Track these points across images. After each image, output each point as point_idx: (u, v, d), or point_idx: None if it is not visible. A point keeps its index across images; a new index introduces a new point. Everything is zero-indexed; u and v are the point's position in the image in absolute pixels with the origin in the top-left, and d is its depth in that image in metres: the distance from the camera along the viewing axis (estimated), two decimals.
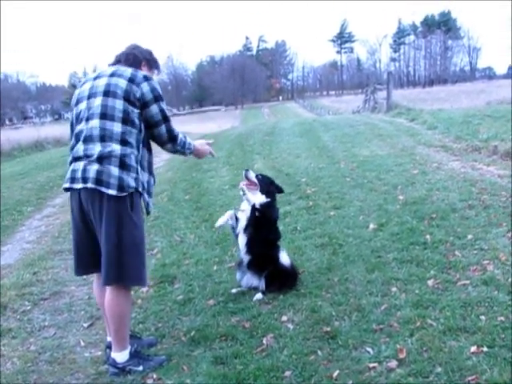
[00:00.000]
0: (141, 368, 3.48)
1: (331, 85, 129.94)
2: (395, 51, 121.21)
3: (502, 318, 3.58)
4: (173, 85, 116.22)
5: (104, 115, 3.31)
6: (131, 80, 3.36)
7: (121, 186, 3.25)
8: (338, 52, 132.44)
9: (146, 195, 3.52)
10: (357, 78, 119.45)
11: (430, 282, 4.31)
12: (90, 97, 3.41)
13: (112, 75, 3.41)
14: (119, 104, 3.31)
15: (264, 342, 3.67)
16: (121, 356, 3.48)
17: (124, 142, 3.30)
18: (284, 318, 3.98)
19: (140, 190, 3.40)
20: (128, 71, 3.42)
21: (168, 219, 7.31)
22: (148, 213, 3.67)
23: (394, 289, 4.28)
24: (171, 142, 3.55)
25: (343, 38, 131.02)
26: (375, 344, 3.47)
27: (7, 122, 66.96)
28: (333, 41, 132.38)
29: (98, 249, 3.38)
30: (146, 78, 3.42)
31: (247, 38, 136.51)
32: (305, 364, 3.33)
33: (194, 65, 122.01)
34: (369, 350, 3.43)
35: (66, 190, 3.45)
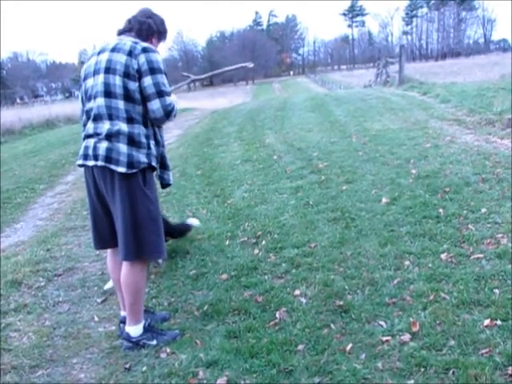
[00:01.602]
0: (154, 342, 3.50)
1: (342, 59, 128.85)
2: (407, 24, 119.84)
3: None
4: (183, 61, 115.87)
5: (108, 93, 3.27)
6: (130, 53, 3.28)
7: (130, 163, 3.23)
8: (350, 26, 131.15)
9: (159, 169, 3.55)
10: (368, 51, 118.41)
11: (443, 256, 4.29)
12: (95, 73, 3.36)
13: (113, 50, 3.33)
14: (119, 81, 3.25)
15: (277, 315, 3.67)
16: (135, 330, 3.50)
17: (130, 120, 3.27)
18: (297, 292, 3.99)
19: (153, 164, 3.38)
20: (128, 44, 3.33)
21: (180, 195, 7.31)
22: (165, 186, 3.74)
23: (406, 262, 4.27)
24: (164, 118, 3.36)
25: (354, 12, 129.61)
26: (388, 318, 3.47)
27: (18, 101, 67.04)
28: (344, 14, 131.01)
29: (114, 224, 3.40)
30: (145, 50, 3.31)
31: (257, 13, 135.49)
32: (318, 338, 3.34)
33: (204, 41, 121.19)
34: (382, 323, 3.42)
35: (80, 166, 3.45)
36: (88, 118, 3.39)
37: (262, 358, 3.18)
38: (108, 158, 3.23)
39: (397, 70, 23.73)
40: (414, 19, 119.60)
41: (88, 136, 3.36)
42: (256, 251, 4.92)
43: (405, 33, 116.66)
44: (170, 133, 14.96)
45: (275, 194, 6.67)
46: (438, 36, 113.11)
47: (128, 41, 3.36)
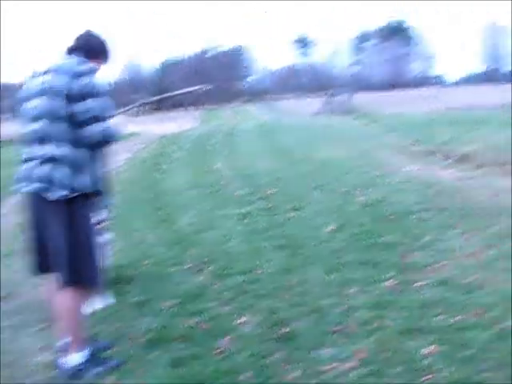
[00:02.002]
0: (96, 371, 3.39)
1: (291, 88, 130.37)
2: (355, 55, 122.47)
3: (458, 318, 3.63)
4: (133, 84, 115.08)
5: (51, 116, 3.17)
6: (71, 75, 3.17)
7: (72, 187, 3.15)
8: (299, 55, 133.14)
9: (101, 194, 3.43)
10: (316, 81, 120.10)
11: (387, 283, 4.35)
12: (38, 94, 3.25)
13: (57, 71, 3.24)
14: (60, 103, 3.15)
15: (222, 343, 3.62)
16: (76, 358, 3.39)
17: (74, 143, 3.17)
18: (242, 320, 3.95)
19: (97, 188, 3.31)
20: (71, 65, 3.24)
21: (126, 219, 7.20)
22: (106, 211, 3.68)
23: (352, 290, 4.29)
24: (103, 142, 3.27)
25: (303, 42, 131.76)
26: (333, 345, 3.47)
27: None
28: (293, 44, 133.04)
29: (53, 249, 3.29)
30: (87, 72, 3.21)
31: (207, 40, 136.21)
32: (263, 366, 3.30)
33: (154, 65, 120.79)
34: (327, 351, 3.41)
35: (20, 190, 3.34)
36: (31, 140, 3.29)
37: None
38: (48, 182, 3.14)
39: (344, 99, 24.21)
40: (363, 50, 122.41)
41: (30, 159, 3.26)
42: (202, 278, 4.87)
43: (352, 63, 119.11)
44: (119, 156, 14.79)
45: (222, 220, 6.66)
46: (384, 68, 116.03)
47: (72, 62, 3.28)
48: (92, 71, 3.25)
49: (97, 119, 3.17)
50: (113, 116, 3.32)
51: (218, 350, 3.54)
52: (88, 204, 3.28)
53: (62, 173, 3.14)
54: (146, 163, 12.78)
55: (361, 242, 5.34)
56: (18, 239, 6.68)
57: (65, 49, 3.46)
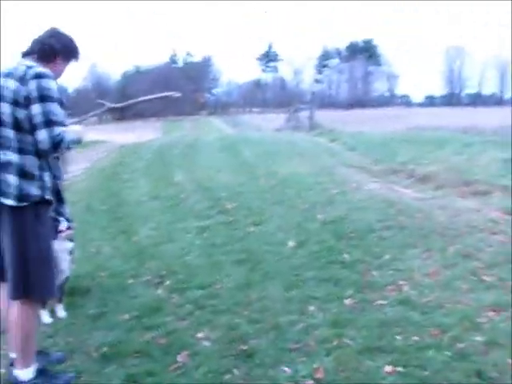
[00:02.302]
0: None
1: (255, 102, 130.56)
2: (319, 73, 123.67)
3: (417, 338, 3.63)
4: (96, 92, 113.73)
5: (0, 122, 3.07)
6: (21, 79, 3.05)
7: (20, 196, 3.02)
8: (264, 70, 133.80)
9: (51, 203, 3.27)
10: (280, 96, 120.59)
11: (347, 302, 4.33)
12: None
13: (7, 75, 3.11)
14: (8, 108, 3.04)
15: (179, 359, 3.54)
16: (25, 373, 3.24)
17: (21, 150, 3.05)
18: (200, 335, 3.88)
19: (47, 197, 3.16)
20: (21, 69, 3.09)
21: (83, 229, 7.03)
22: (65, 220, 3.56)
23: (311, 307, 4.26)
24: (52, 149, 3.08)
25: (269, 57, 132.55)
26: (292, 363, 3.43)
27: None
28: (259, 59, 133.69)
29: (4, 259, 3.17)
30: (37, 75, 3.06)
31: (174, 51, 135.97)
32: (221, 383, 3.24)
33: (119, 74, 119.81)
34: (286, 369, 3.37)
35: None
36: None
37: None
38: None
39: (307, 116, 24.41)
40: (326, 69, 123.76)
41: None
42: (160, 291, 4.78)
43: (316, 81, 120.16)
44: (77, 165, 14.53)
45: (181, 233, 6.57)
46: (348, 86, 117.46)
47: (23, 65, 3.14)
48: (42, 75, 3.08)
49: (46, 125, 3.03)
50: (64, 122, 3.14)
51: (175, 366, 3.47)
52: (40, 213, 3.14)
53: (8, 181, 3.03)
54: (106, 172, 12.60)
55: (321, 259, 5.32)
56: None
57: (20, 53, 3.35)
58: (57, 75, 3.30)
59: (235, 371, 3.38)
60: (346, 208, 7.35)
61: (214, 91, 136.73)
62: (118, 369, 3.49)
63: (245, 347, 3.65)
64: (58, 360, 3.62)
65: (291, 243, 5.86)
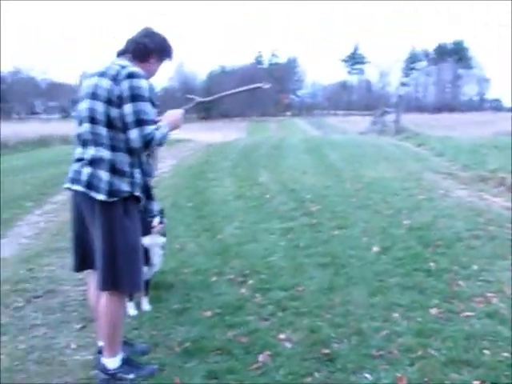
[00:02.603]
0: (132, 376, 3.37)
1: (340, 104, 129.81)
2: (406, 76, 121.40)
3: (507, 354, 3.49)
4: (182, 91, 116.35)
5: (92, 119, 3.17)
6: (114, 78, 3.13)
7: (111, 191, 3.13)
8: (349, 72, 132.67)
9: (141, 199, 3.33)
10: (366, 99, 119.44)
11: (432, 311, 4.22)
12: (84, 98, 3.26)
13: (101, 74, 3.20)
14: (102, 107, 3.13)
15: (260, 359, 3.56)
16: (112, 362, 3.36)
17: (113, 147, 3.15)
18: (282, 336, 3.88)
19: (136, 194, 3.24)
20: (114, 68, 3.18)
21: (169, 226, 7.17)
22: (151, 216, 3.62)
23: (395, 315, 4.18)
24: (143, 148, 3.17)
25: (355, 59, 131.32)
26: (374, 370, 3.38)
27: (15, 116, 67.03)
28: (344, 61, 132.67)
29: (94, 251, 3.30)
30: (130, 75, 3.13)
31: (259, 52, 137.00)
32: None
33: (204, 74, 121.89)
34: (367, 375, 3.33)
35: (66, 189, 3.35)
36: (78, 142, 3.31)
37: None
38: (89, 184, 3.15)
39: (393, 119, 24.01)
40: (413, 71, 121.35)
41: (76, 160, 3.29)
42: (243, 290, 4.82)
43: (403, 84, 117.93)
44: (164, 162, 14.93)
45: (265, 234, 6.60)
46: (435, 90, 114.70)
47: (117, 65, 3.21)
48: (134, 75, 3.15)
49: (137, 124, 3.10)
50: (154, 120, 3.21)
51: (256, 366, 3.48)
52: (128, 209, 3.23)
53: (99, 176, 3.13)
54: (192, 170, 12.83)
55: (406, 266, 5.21)
56: (66, 236, 6.78)
57: (115, 52, 3.44)
58: (150, 74, 3.39)
59: (316, 374, 3.36)
60: (433, 215, 7.17)
61: (299, 92, 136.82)
62: (199, 364, 3.55)
63: (326, 351, 3.62)
64: (143, 351, 3.73)
65: (375, 248, 5.77)
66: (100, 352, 3.49)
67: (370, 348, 3.65)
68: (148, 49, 3.38)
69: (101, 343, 3.52)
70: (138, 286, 3.37)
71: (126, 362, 3.42)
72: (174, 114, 3.52)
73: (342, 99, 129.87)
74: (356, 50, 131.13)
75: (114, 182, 3.13)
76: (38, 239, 6.93)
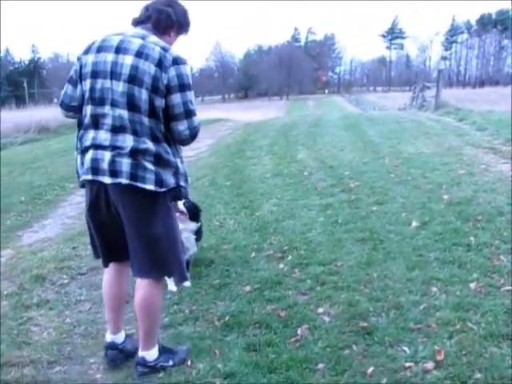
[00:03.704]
0: (171, 363, 3.32)
1: (378, 80, 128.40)
2: (446, 49, 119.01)
3: None
4: (219, 72, 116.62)
5: (132, 106, 2.89)
6: (159, 63, 2.87)
7: (159, 181, 2.96)
8: (388, 48, 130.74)
9: (184, 188, 3.18)
10: (405, 74, 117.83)
11: (472, 285, 4.18)
12: (112, 76, 2.92)
13: (139, 55, 2.89)
14: (146, 95, 2.88)
15: (298, 332, 3.62)
16: (151, 354, 3.28)
17: (155, 138, 2.94)
18: (320, 310, 3.92)
19: (182, 184, 3.11)
20: (157, 51, 2.90)
21: (208, 204, 7.30)
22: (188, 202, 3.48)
23: (434, 289, 4.17)
24: (190, 140, 3.07)
25: (394, 34, 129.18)
26: (412, 343, 3.39)
27: (55, 100, 68.07)
28: (383, 36, 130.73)
29: (122, 241, 3.13)
30: (176, 61, 2.91)
31: (296, 29, 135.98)
32: (339, 358, 3.27)
33: (241, 53, 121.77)
34: (405, 348, 3.34)
35: (89, 181, 3.07)
36: (97, 125, 2.99)
37: (281, 374, 3.13)
38: (134, 176, 2.91)
39: (433, 94, 23.60)
40: (454, 45, 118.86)
41: (99, 147, 2.98)
42: (281, 266, 4.87)
43: (443, 58, 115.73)
44: (202, 142, 15.02)
45: (304, 210, 6.62)
46: (477, 63, 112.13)
47: (156, 45, 2.93)
48: (180, 61, 2.94)
49: (186, 116, 2.97)
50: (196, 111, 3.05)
51: (294, 339, 3.54)
52: (171, 199, 3.13)
53: (147, 167, 2.92)
54: (230, 149, 12.88)
55: (445, 241, 5.17)
56: None
57: (131, 20, 3.15)
58: None
59: (354, 347, 3.39)
60: (473, 189, 7.07)
61: (337, 69, 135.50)
62: (238, 337, 3.63)
63: (364, 324, 3.65)
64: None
65: (414, 223, 5.73)
66: (110, 348, 3.41)
67: (408, 321, 3.66)
68: (171, 20, 3.12)
69: (110, 337, 3.43)
70: (184, 274, 3.28)
71: (163, 351, 3.36)
72: None
73: (381, 75, 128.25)
74: (395, 24, 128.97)
75: (160, 171, 2.96)
76: (81, 219, 7.05)
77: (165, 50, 2.94)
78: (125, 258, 3.22)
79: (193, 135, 3.04)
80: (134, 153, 2.90)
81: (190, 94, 2.98)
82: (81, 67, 3.03)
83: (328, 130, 14.93)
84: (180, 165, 3.10)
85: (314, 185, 7.91)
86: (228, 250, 5.38)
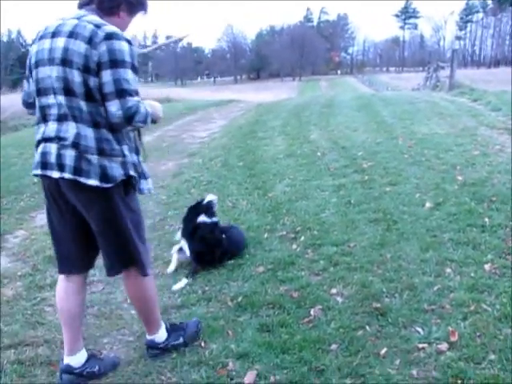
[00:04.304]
0: (181, 340, 3.30)
1: (392, 61, 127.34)
2: (461, 29, 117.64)
3: None
4: (231, 53, 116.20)
5: (67, 91, 2.64)
6: (90, 41, 2.59)
7: (104, 175, 2.69)
8: (401, 27, 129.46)
9: (137, 177, 2.87)
10: (419, 55, 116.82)
11: (486, 266, 4.15)
12: (50, 62, 2.69)
13: (71, 35, 2.64)
14: (78, 76, 2.60)
15: (311, 313, 3.61)
16: (160, 336, 3.25)
17: (96, 124, 2.67)
18: (333, 291, 3.91)
19: (131, 173, 2.79)
20: (88, 28, 2.62)
21: (221, 184, 7.29)
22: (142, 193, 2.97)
23: (448, 270, 4.14)
24: (124, 123, 2.67)
25: (407, 14, 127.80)
26: (426, 324, 3.38)
27: None
28: (396, 16, 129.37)
29: (84, 242, 2.97)
30: (108, 36, 2.60)
31: (308, 9, 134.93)
32: (352, 339, 3.26)
33: (253, 34, 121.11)
34: (419, 329, 3.33)
35: (38, 176, 2.87)
36: (45, 116, 2.78)
37: (294, 355, 3.13)
38: (78, 170, 2.67)
39: (447, 74, 23.34)
40: (469, 24, 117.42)
41: (47, 139, 2.75)
42: (294, 246, 4.86)
43: (458, 38, 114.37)
44: (214, 123, 15.00)
45: (317, 191, 6.59)
46: (493, 42, 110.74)
47: (89, 23, 2.65)
48: (114, 36, 2.63)
49: (118, 95, 2.61)
50: (138, 91, 2.71)
51: (307, 319, 3.54)
52: (126, 189, 2.85)
53: (88, 159, 2.68)
54: (243, 130, 12.82)
55: (459, 222, 5.13)
56: None
57: (76, 3, 2.88)
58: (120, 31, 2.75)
59: (367, 328, 3.39)
60: (488, 170, 7.00)
61: (350, 50, 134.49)
62: (252, 318, 3.63)
63: (378, 305, 3.64)
64: (113, 364, 3.22)
65: (428, 204, 5.69)
66: (65, 371, 3.07)
67: (421, 302, 3.65)
68: (116, 1, 2.83)
69: (66, 360, 3.08)
70: (145, 268, 3.03)
71: (171, 329, 3.32)
72: (154, 105, 2.98)
73: (394, 55, 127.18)
74: (408, 3, 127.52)
75: (105, 164, 2.69)
76: None
77: (98, 26, 2.64)
78: (82, 269, 3.06)
79: (127, 117, 2.63)
80: (76, 143, 2.66)
81: (125, 72, 2.62)
82: (30, 60, 2.83)
83: (341, 110, 14.82)
84: (127, 152, 2.79)
85: (327, 165, 7.87)
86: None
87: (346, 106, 15.91)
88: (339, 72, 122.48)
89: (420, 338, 3.24)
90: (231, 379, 2.97)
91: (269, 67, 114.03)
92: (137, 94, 2.68)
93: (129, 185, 2.83)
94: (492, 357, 2.98)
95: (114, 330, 3.61)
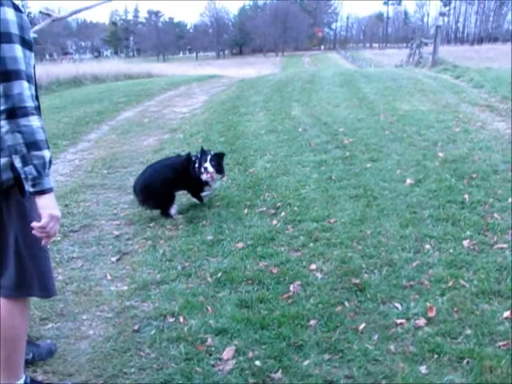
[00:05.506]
0: None
1: (375, 37, 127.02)
2: (445, 5, 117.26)
3: None
4: (214, 28, 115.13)
5: None
6: None
7: None
8: (385, 3, 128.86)
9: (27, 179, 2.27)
10: (402, 31, 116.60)
11: (465, 243, 4.19)
12: None
13: None
14: None
15: (291, 288, 3.62)
16: None
17: None
18: (313, 267, 3.92)
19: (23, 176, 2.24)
20: None
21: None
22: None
23: (427, 246, 4.17)
24: (7, 117, 2.08)
25: None
26: (404, 300, 3.40)
27: (47, 57, 67.07)
28: None
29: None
30: None
31: None
32: (331, 314, 3.27)
33: (236, 9, 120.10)
34: (397, 305, 3.35)
35: None
36: None
37: (273, 330, 3.13)
38: None
39: (430, 51, 23.35)
40: (453, 0, 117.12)
41: None
42: (274, 222, 4.85)
43: (442, 14, 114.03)
44: (196, 98, 14.87)
45: (298, 167, 6.58)
46: (477, 19, 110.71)
47: None
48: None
49: (3, 77, 2.04)
50: (30, 74, 2.15)
51: (287, 295, 3.54)
52: (23, 192, 2.31)
53: None
54: (224, 105, 12.73)
55: (439, 198, 5.16)
56: (100, 173, 6.88)
57: None
58: None
59: (346, 304, 3.40)
60: (469, 147, 7.03)
61: (333, 25, 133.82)
62: (231, 294, 3.63)
63: (357, 281, 3.65)
64: (49, 351, 3.05)
65: (409, 180, 5.70)
66: None
67: (400, 278, 3.67)
68: None
69: None
70: (49, 287, 2.52)
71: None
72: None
73: (378, 32, 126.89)
74: None
75: None
76: (73, 176, 7.03)
77: None
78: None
79: (10, 111, 2.08)
80: None
81: (10, 49, 2.05)
82: None
83: (323, 86, 14.76)
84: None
85: (308, 141, 7.84)
86: (221, 206, 5.35)
87: (328, 82, 15.85)
88: (322, 48, 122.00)
89: (398, 313, 3.26)
90: (210, 355, 2.96)
91: (251, 43, 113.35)
92: (29, 77, 2.13)
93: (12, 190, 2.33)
94: (468, 332, 3.01)
95: (93, 306, 3.58)
